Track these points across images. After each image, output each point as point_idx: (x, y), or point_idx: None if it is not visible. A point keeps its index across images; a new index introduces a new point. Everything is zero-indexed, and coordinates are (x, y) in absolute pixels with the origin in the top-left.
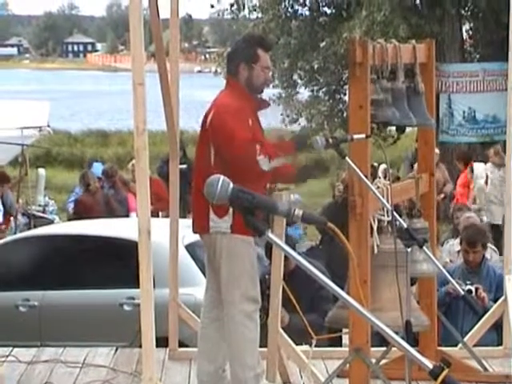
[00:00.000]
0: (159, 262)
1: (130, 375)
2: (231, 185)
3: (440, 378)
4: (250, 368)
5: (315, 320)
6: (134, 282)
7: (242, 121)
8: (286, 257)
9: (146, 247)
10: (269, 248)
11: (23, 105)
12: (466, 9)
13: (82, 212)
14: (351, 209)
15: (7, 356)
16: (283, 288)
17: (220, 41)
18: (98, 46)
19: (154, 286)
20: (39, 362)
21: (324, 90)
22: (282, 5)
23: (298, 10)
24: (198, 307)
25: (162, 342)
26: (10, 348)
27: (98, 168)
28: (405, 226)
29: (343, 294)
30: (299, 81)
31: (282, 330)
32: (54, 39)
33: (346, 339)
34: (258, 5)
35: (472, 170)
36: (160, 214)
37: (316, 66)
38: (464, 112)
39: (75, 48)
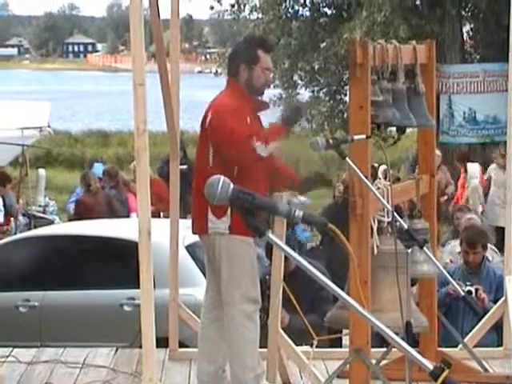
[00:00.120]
0: (159, 263)
1: (130, 375)
2: (231, 185)
3: (440, 379)
4: (249, 369)
5: (315, 321)
6: (135, 283)
7: (241, 119)
8: (286, 257)
9: (146, 247)
10: (269, 248)
11: (24, 105)
12: (467, 9)
13: (83, 212)
14: (351, 209)
15: (7, 356)
16: (283, 288)
17: (220, 41)
18: (99, 46)
19: (155, 287)
20: (39, 362)
21: (324, 90)
22: (282, 5)
23: (298, 10)
24: (198, 308)
25: (162, 342)
26: (10, 348)
27: (98, 168)
28: (405, 226)
29: (343, 294)
30: (300, 81)
31: (282, 331)
32: (55, 39)
33: (346, 340)
34: (258, 5)
35: (466, 170)
36: (161, 214)
37: (316, 67)
38: (464, 113)
39: (75, 48)
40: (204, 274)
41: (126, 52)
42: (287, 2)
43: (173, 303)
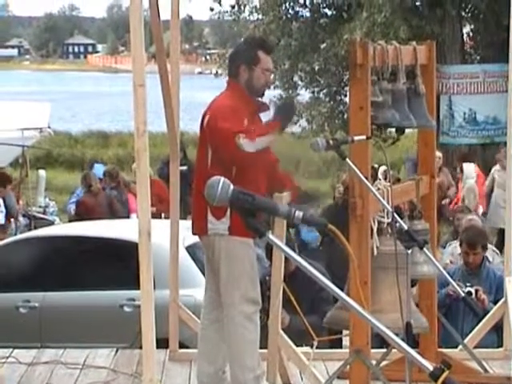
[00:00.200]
0: (159, 264)
1: (130, 376)
2: (231, 186)
3: (440, 380)
4: (249, 369)
5: (315, 321)
6: (135, 284)
7: (237, 120)
8: (286, 258)
9: (146, 248)
10: (269, 249)
11: (24, 106)
12: (467, 10)
13: (83, 213)
14: (351, 210)
15: (7, 357)
16: (284, 289)
17: (220, 42)
18: (99, 47)
19: (155, 288)
20: (39, 363)
21: (325, 91)
22: (282, 6)
23: (298, 11)
24: (198, 308)
25: (162, 343)
26: (11, 349)
27: (99, 169)
28: (405, 227)
29: (343, 295)
30: (300, 82)
31: (282, 332)
32: (55, 40)
33: (346, 341)
34: (258, 6)
35: (462, 170)
36: (163, 215)
37: (317, 68)
38: (464, 113)
39: (76, 49)
40: (204, 275)
41: (126, 53)
42: (287, 2)
43: (173, 304)
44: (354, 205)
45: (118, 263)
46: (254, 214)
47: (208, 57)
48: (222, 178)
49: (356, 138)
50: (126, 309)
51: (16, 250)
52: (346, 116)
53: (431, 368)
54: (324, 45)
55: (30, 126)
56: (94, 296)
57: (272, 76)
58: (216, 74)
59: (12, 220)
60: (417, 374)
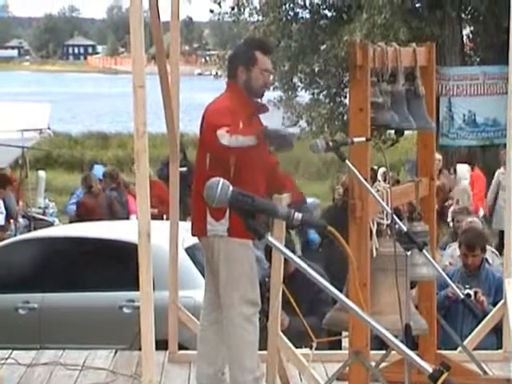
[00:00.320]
0: (159, 265)
1: (129, 378)
2: (231, 188)
3: (439, 382)
4: (249, 371)
5: (315, 323)
6: (134, 285)
7: (229, 119)
8: (285, 260)
9: (145, 250)
10: (268, 251)
11: (24, 107)
12: (467, 12)
13: (83, 214)
14: (351, 212)
15: (7, 358)
16: (283, 291)
17: (220, 43)
18: (99, 48)
19: (154, 289)
20: (39, 364)
21: (324, 92)
22: (282, 8)
23: (298, 12)
24: (197, 310)
25: (161, 344)
26: (10, 350)
27: (99, 170)
28: (404, 229)
29: (342, 297)
30: (299, 84)
31: (281, 333)
32: (55, 41)
33: (345, 342)
34: (258, 8)
35: (455, 172)
36: (164, 216)
37: (316, 69)
38: (464, 115)
39: (76, 50)
40: (204, 276)
41: (126, 54)
42: (287, 4)
43: (172, 305)
44: (354, 206)
45: (117, 264)
46: (254, 215)
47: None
48: (222, 180)
49: (355, 139)
50: (126, 310)
51: (15, 251)
52: (345, 117)
53: (430, 370)
54: (324, 46)
55: (29, 127)
56: (93, 297)
57: (271, 77)
58: (216, 76)
59: (11, 221)
60: (416, 375)
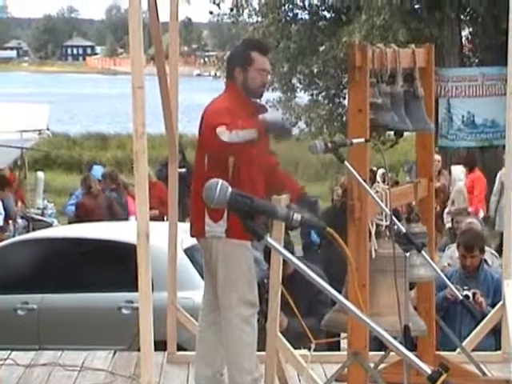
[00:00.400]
0: (158, 266)
1: (128, 379)
2: (230, 189)
3: (438, 383)
4: (247, 372)
5: (313, 324)
6: (133, 286)
7: (226, 118)
8: (284, 261)
9: (144, 250)
10: (267, 252)
11: (23, 108)
12: (466, 13)
13: (83, 215)
14: (350, 213)
15: (5, 359)
16: (282, 292)
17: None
18: (98, 49)
19: (153, 290)
20: (37, 365)
21: (323, 94)
22: (281, 9)
23: (297, 14)
24: (196, 311)
25: (160, 345)
26: (9, 351)
27: (97, 171)
28: (403, 230)
29: (341, 298)
30: (298, 85)
31: (280, 334)
32: (54, 42)
33: (344, 343)
34: (257, 9)
35: (450, 173)
36: (165, 218)
37: (315, 70)
38: (463, 116)
39: (74, 51)
40: (202, 277)
41: (125, 55)
42: (286, 5)
43: (171, 306)
44: (353, 207)
45: (116, 265)
46: (253, 216)
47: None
48: (220, 181)
49: (355, 140)
50: (124, 311)
51: (14, 252)
52: (344, 118)
53: (429, 371)
54: (323, 47)
55: (28, 127)
56: (92, 298)
57: (269, 76)
58: (215, 77)
59: (10, 222)
60: (415, 377)
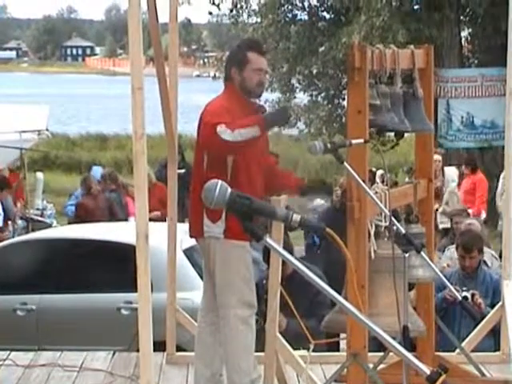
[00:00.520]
0: (157, 267)
1: (127, 379)
2: (229, 190)
3: None
4: (245, 373)
5: (313, 325)
6: (132, 286)
7: (224, 117)
8: (283, 261)
9: (144, 251)
10: (266, 252)
11: (22, 108)
12: (465, 14)
13: (83, 215)
14: (349, 214)
15: (5, 360)
16: (281, 292)
17: (219, 45)
18: (97, 49)
19: (152, 290)
20: (37, 365)
21: (323, 94)
22: (280, 10)
23: (297, 14)
24: (195, 311)
25: (159, 346)
26: (8, 352)
27: (97, 171)
28: (403, 231)
29: (341, 299)
30: (298, 85)
31: (279, 335)
32: (53, 43)
33: (343, 344)
34: (256, 9)
35: (443, 174)
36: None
37: (315, 71)
38: (462, 117)
39: (74, 52)
40: (202, 278)
41: (125, 55)
42: (286, 6)
43: (170, 307)
44: (352, 208)
45: (115, 266)
46: (252, 217)
47: (206, 60)
48: (220, 182)
49: (354, 141)
50: (124, 312)
51: (13, 253)
52: (344, 119)
53: (428, 372)
54: (322, 48)
55: (28, 128)
56: (91, 299)
57: (267, 76)
58: (214, 77)
59: (9, 222)
60: (414, 377)
